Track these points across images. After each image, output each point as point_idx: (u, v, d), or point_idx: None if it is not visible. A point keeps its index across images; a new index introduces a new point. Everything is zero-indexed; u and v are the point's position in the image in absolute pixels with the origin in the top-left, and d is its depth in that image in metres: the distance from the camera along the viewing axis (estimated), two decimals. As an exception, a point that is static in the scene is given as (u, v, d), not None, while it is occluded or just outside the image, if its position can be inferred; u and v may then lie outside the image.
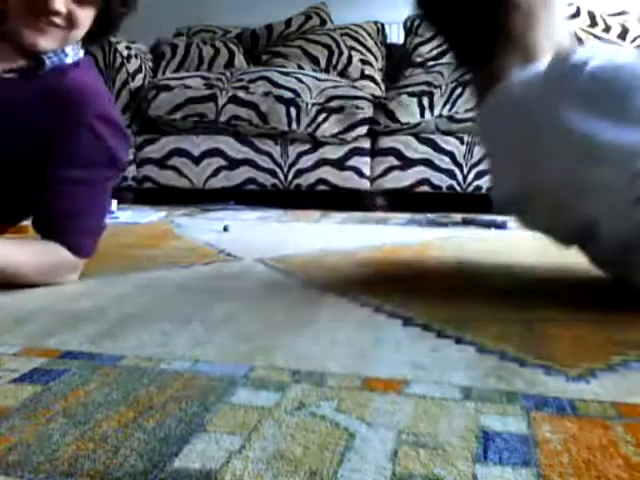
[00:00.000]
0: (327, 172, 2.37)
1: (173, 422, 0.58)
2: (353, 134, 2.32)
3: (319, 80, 2.46)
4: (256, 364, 0.73)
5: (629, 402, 0.64)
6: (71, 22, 1.03)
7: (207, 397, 0.64)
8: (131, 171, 2.49)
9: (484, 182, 2.28)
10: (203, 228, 1.86)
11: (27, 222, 1.21)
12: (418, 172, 2.32)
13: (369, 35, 2.91)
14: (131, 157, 2.47)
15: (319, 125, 2.32)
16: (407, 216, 2.21)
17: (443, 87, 2.28)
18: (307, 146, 2.37)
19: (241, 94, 2.37)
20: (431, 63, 2.68)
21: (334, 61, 2.73)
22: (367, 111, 2.32)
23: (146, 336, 0.84)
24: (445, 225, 1.98)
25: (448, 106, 2.25)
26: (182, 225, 1.95)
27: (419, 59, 2.73)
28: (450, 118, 2.26)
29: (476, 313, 0.96)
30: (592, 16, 2.57)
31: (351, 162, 2.35)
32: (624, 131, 0.88)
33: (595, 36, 2.35)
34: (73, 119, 1.09)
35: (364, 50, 2.84)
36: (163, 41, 2.88)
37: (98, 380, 0.68)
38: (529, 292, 1.11)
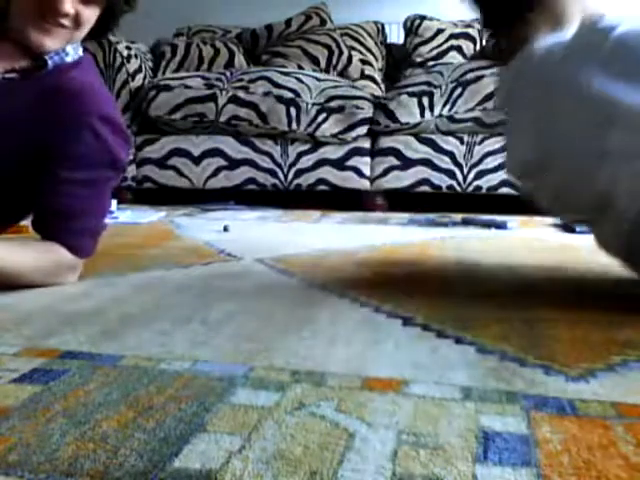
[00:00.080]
0: (327, 172, 2.37)
1: (173, 422, 0.58)
2: (353, 134, 2.32)
3: (319, 80, 2.46)
4: (256, 364, 0.73)
5: (629, 402, 0.64)
6: (77, 22, 1.03)
7: (207, 397, 0.64)
8: (131, 171, 2.49)
9: (484, 182, 2.28)
10: (203, 228, 1.86)
11: (26, 222, 1.21)
12: (418, 172, 2.32)
13: (369, 35, 2.91)
14: (131, 157, 2.47)
15: (319, 125, 2.32)
16: (407, 216, 2.21)
17: (443, 87, 2.28)
18: (307, 146, 2.37)
19: (241, 94, 2.37)
20: (431, 63, 2.68)
21: (334, 61, 2.73)
22: (367, 111, 2.32)
23: (146, 336, 0.84)
24: (445, 225, 1.98)
25: (448, 106, 2.25)
26: (182, 225, 1.95)
27: (419, 59, 2.73)
28: (450, 118, 2.26)
29: (476, 313, 0.96)
30: (592, 16, 2.57)
31: (351, 162, 2.35)
32: None
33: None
34: (74, 120, 1.09)
35: (364, 50, 2.84)
36: (163, 41, 2.88)
37: (98, 380, 0.68)
38: (529, 292, 1.11)
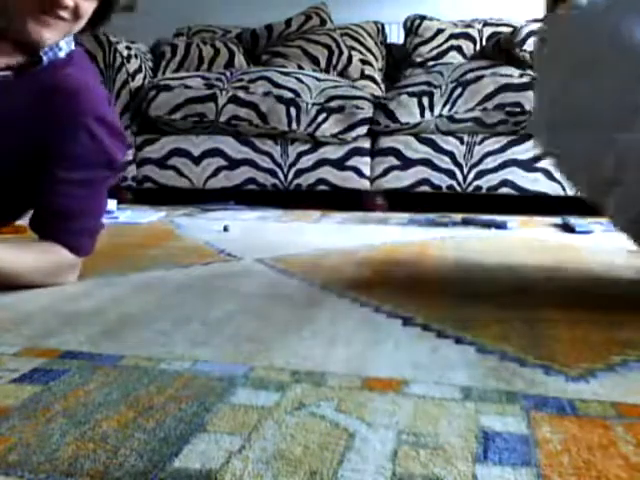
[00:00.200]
0: (327, 172, 2.37)
1: (173, 422, 0.58)
2: (353, 134, 2.32)
3: (319, 80, 2.46)
4: (256, 364, 0.73)
5: (629, 402, 0.64)
6: (76, 15, 1.02)
7: (207, 397, 0.64)
8: (131, 171, 2.49)
9: (484, 182, 2.28)
10: (203, 228, 1.86)
11: (24, 222, 1.21)
12: (418, 172, 2.32)
13: (369, 35, 2.91)
14: (131, 157, 2.47)
15: (319, 125, 2.32)
16: (407, 216, 2.21)
17: (443, 87, 2.28)
18: (307, 146, 2.37)
19: (241, 94, 2.37)
20: (431, 63, 2.68)
21: (334, 61, 2.72)
22: (367, 111, 2.32)
23: (146, 336, 0.84)
24: (445, 225, 1.98)
25: (448, 106, 2.25)
26: (182, 225, 1.95)
27: (419, 59, 2.73)
28: (450, 118, 2.26)
29: (476, 313, 0.96)
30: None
31: (351, 162, 2.35)
32: None
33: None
34: (71, 121, 1.09)
35: (364, 50, 2.84)
36: (163, 41, 2.88)
37: (98, 380, 0.68)
38: (529, 292, 1.11)
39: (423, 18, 2.82)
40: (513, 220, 2.03)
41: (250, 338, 0.83)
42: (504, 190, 2.28)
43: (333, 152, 2.36)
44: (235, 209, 2.40)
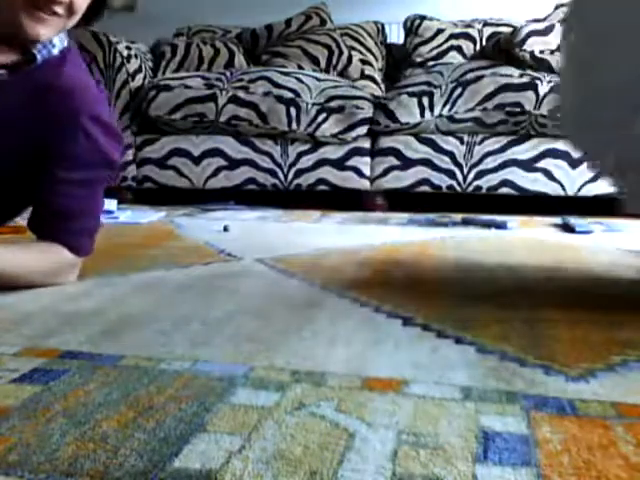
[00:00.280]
0: (327, 172, 2.37)
1: (173, 422, 0.58)
2: (353, 134, 2.32)
3: (319, 80, 2.46)
4: (256, 364, 0.73)
5: (629, 402, 0.64)
6: (71, 10, 1.01)
7: (207, 397, 0.64)
8: (131, 171, 2.49)
9: (484, 182, 2.28)
10: (203, 228, 1.86)
11: (24, 222, 1.21)
12: (418, 172, 2.32)
13: (369, 35, 2.91)
14: (131, 157, 2.47)
15: (319, 125, 2.32)
16: (407, 216, 2.21)
17: (443, 87, 2.28)
18: (307, 146, 2.37)
19: (241, 94, 2.37)
20: (431, 63, 2.68)
21: (334, 61, 2.72)
22: (367, 111, 2.32)
23: (146, 336, 0.84)
24: (445, 225, 1.98)
25: (448, 106, 2.25)
26: (182, 225, 1.95)
27: (419, 59, 2.73)
28: (450, 118, 2.26)
29: (476, 313, 0.96)
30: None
31: (351, 162, 2.35)
32: None
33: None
34: (67, 120, 1.09)
35: (364, 50, 2.84)
36: (163, 41, 2.88)
37: (98, 380, 0.68)
38: (529, 292, 1.11)
39: (423, 18, 2.82)
40: (513, 220, 2.03)
41: (250, 338, 0.83)
42: (504, 190, 2.28)
43: (333, 152, 2.36)
44: (235, 209, 2.40)
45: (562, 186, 2.23)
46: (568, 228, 1.88)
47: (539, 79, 2.20)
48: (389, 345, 0.81)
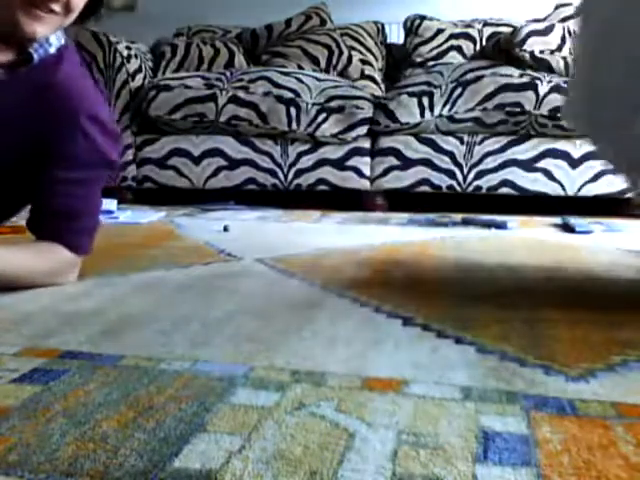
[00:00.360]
0: (327, 172, 2.37)
1: (173, 422, 0.58)
2: (353, 134, 2.32)
3: (319, 80, 2.46)
4: (256, 364, 0.73)
5: (629, 402, 0.64)
6: (68, 8, 1.01)
7: (207, 397, 0.64)
8: (131, 171, 2.49)
9: (484, 182, 2.28)
10: (203, 228, 1.86)
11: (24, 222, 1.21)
12: (418, 172, 2.32)
13: (369, 35, 2.91)
14: (131, 157, 2.47)
15: (319, 125, 2.32)
16: (407, 216, 2.21)
17: (443, 87, 2.28)
18: (307, 146, 2.37)
19: (241, 94, 2.37)
20: (431, 63, 2.68)
21: (334, 61, 2.72)
22: (367, 111, 2.32)
23: (146, 336, 0.84)
24: (445, 225, 1.98)
25: (448, 106, 2.25)
26: (182, 225, 1.95)
27: (419, 59, 2.73)
28: (450, 118, 2.26)
29: (476, 313, 0.96)
30: (592, 16, 2.57)
31: (351, 162, 2.35)
32: None
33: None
34: (68, 122, 1.09)
35: (364, 50, 2.84)
36: (163, 41, 2.88)
37: (98, 380, 0.68)
38: (529, 292, 1.11)
39: (423, 18, 2.82)
40: (513, 220, 2.03)
41: (250, 338, 0.83)
42: (504, 190, 2.28)
43: (333, 152, 2.36)
44: (235, 209, 2.40)
45: (562, 186, 2.23)
46: (568, 228, 1.88)
47: (539, 79, 2.20)
48: (389, 345, 0.81)
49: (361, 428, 0.57)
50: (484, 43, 2.69)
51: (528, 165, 2.24)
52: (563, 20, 2.53)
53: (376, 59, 2.87)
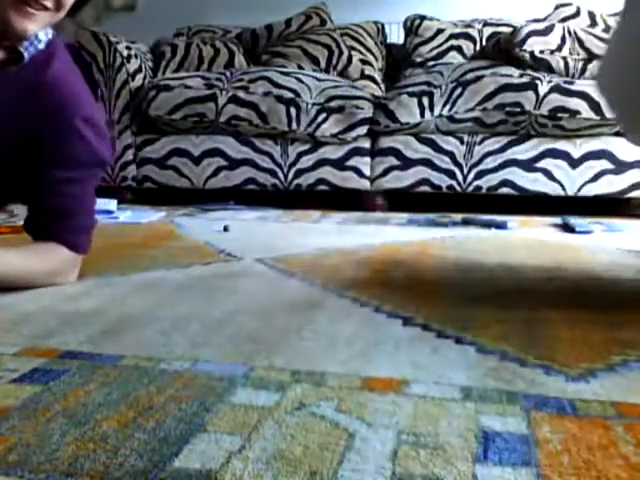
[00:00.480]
0: (327, 172, 2.37)
1: (173, 422, 0.58)
2: (353, 134, 2.32)
3: (319, 80, 2.46)
4: (256, 364, 0.73)
5: (629, 402, 0.64)
6: (58, 4, 1.01)
7: (207, 397, 0.64)
8: (131, 171, 2.49)
9: (484, 182, 2.28)
10: (203, 228, 1.86)
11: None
12: (418, 172, 2.32)
13: (369, 35, 2.91)
14: (131, 157, 2.47)
15: (319, 125, 2.32)
16: (407, 216, 2.21)
17: (443, 87, 2.28)
18: (307, 146, 2.37)
19: (241, 94, 2.37)
20: (431, 63, 2.68)
21: (334, 61, 2.72)
22: (367, 111, 2.32)
23: (146, 336, 0.84)
24: (445, 225, 1.98)
25: (448, 106, 2.25)
26: (182, 225, 1.95)
27: (419, 59, 2.73)
28: (450, 118, 2.26)
29: (476, 313, 0.96)
30: (592, 16, 2.57)
31: (351, 162, 2.35)
32: None
33: (595, 36, 2.35)
34: (64, 124, 1.09)
35: (364, 50, 2.84)
36: (163, 41, 2.87)
37: (98, 380, 0.68)
38: (529, 292, 1.11)
39: (423, 18, 2.82)
40: (513, 220, 2.03)
41: (250, 338, 0.83)
42: (504, 190, 2.28)
43: (333, 152, 2.36)
44: (235, 209, 2.40)
45: (562, 186, 2.23)
46: (568, 228, 1.88)
47: (539, 79, 2.20)
48: (389, 345, 0.81)
49: (361, 428, 0.57)
50: (484, 43, 2.69)
51: (528, 165, 2.24)
52: (563, 20, 2.53)
53: (376, 59, 2.87)
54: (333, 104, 2.33)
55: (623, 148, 2.17)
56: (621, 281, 1.20)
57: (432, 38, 2.75)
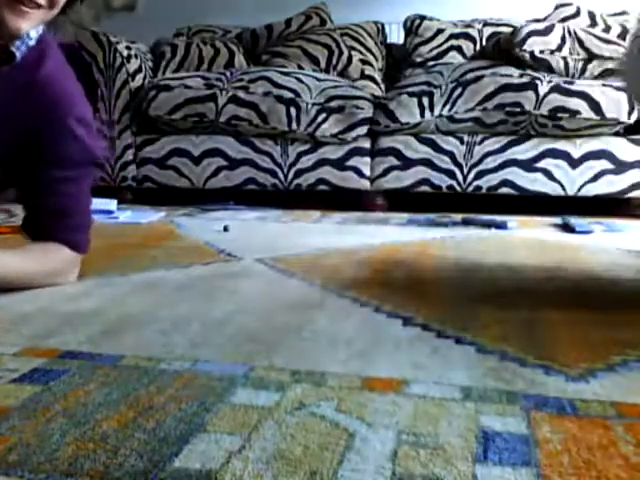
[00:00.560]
0: (327, 172, 2.37)
1: (173, 422, 0.58)
2: (353, 134, 2.32)
3: (319, 80, 2.46)
4: (256, 364, 0.73)
5: (629, 402, 0.64)
6: (52, 1, 1.00)
7: (207, 397, 0.64)
8: (131, 171, 2.49)
9: (484, 182, 2.28)
10: (203, 228, 1.86)
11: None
12: (418, 172, 2.32)
13: (369, 35, 2.91)
14: (131, 157, 2.47)
15: (319, 125, 2.32)
16: (407, 216, 2.21)
17: (443, 87, 2.28)
18: (307, 146, 2.37)
19: (241, 94, 2.37)
20: (431, 63, 2.68)
21: (334, 61, 2.72)
22: (367, 111, 2.32)
23: (146, 336, 0.84)
24: (445, 225, 1.98)
25: (448, 106, 2.25)
26: (182, 225, 1.95)
27: (419, 59, 2.73)
28: (450, 118, 2.26)
29: (476, 313, 0.96)
30: (592, 16, 2.57)
31: (351, 162, 2.35)
32: None
33: (595, 36, 2.35)
34: (55, 123, 1.10)
35: (364, 50, 2.84)
36: (163, 41, 2.87)
37: (98, 380, 0.68)
38: (529, 292, 1.11)
39: (423, 18, 2.82)
40: (513, 220, 2.03)
41: (250, 338, 0.83)
42: (504, 190, 2.28)
43: (333, 152, 2.36)
44: (235, 209, 2.40)
45: (562, 186, 2.23)
46: (568, 228, 1.88)
47: (539, 79, 2.20)
48: (389, 345, 0.81)
49: (361, 428, 0.57)
50: (484, 43, 2.69)
51: (528, 165, 2.24)
52: (563, 20, 2.53)
53: (376, 59, 2.86)
54: (333, 104, 2.33)
55: (623, 148, 2.17)
56: (621, 281, 1.20)
57: (432, 38, 2.75)
